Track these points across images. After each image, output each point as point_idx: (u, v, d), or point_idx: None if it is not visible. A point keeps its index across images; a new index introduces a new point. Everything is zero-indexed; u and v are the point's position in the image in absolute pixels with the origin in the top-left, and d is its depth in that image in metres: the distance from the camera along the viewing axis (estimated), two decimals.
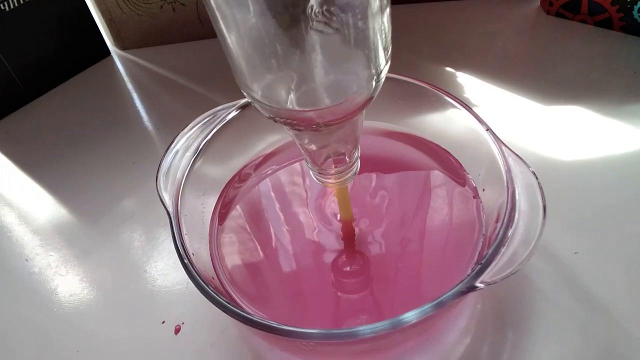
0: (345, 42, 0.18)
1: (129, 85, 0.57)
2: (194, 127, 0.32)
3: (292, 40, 0.17)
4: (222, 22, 0.18)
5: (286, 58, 0.18)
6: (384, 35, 0.19)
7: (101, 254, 0.37)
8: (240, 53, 0.19)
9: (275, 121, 0.21)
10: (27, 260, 0.38)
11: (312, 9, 0.16)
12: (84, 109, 0.53)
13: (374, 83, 0.20)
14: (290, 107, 0.19)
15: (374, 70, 0.20)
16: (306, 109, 0.19)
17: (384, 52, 0.20)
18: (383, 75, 0.21)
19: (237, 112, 0.33)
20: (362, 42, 0.18)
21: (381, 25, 0.19)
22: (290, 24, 0.16)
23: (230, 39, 0.18)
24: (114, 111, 0.53)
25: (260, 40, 0.17)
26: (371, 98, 0.21)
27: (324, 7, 0.16)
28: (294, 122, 0.20)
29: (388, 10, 0.19)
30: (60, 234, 0.39)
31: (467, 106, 0.30)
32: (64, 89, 0.57)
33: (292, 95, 0.19)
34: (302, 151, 0.26)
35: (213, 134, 0.32)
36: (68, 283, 0.35)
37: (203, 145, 0.32)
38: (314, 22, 0.16)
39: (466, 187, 0.32)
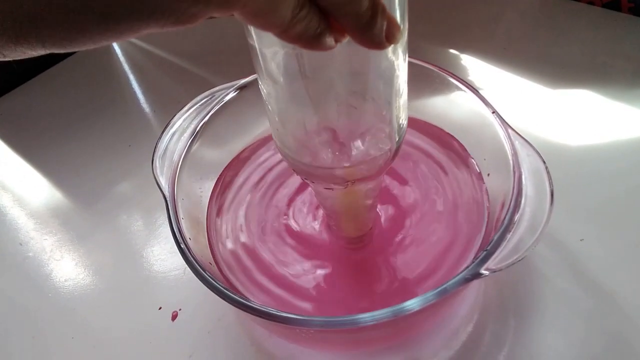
0: (373, 110, 0.20)
1: (125, 66, 0.55)
2: (190, 108, 0.31)
3: (324, 114, 0.19)
4: (265, 91, 0.20)
5: (320, 128, 0.20)
6: (404, 92, 0.21)
7: (97, 238, 0.37)
8: (279, 119, 0.21)
9: (312, 182, 0.23)
10: (21, 245, 0.37)
11: (337, 96, 0.18)
12: (79, 90, 0.52)
13: (397, 136, 0.22)
14: (326, 165, 0.21)
15: (396, 126, 0.21)
16: (339, 166, 0.21)
17: (405, 107, 0.22)
18: (404, 127, 0.23)
19: (235, 93, 0.32)
20: (387, 106, 0.20)
21: (403, 85, 0.21)
22: (322, 103, 0.19)
23: (272, 105, 0.20)
24: (109, 92, 0.52)
25: (296, 112, 0.20)
26: (398, 149, 0.23)
27: (350, 92, 0.19)
28: (328, 179, 0.22)
29: (406, 65, 0.21)
30: (55, 217, 0.39)
31: (473, 88, 0.29)
32: (58, 69, 0.56)
33: (328, 154, 0.21)
34: (326, 214, 0.29)
35: (210, 116, 0.31)
36: (63, 268, 0.35)
37: (200, 127, 0.31)
38: (342, 103, 0.19)
39: (470, 171, 0.31)
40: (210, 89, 0.32)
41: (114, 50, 0.58)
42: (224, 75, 0.46)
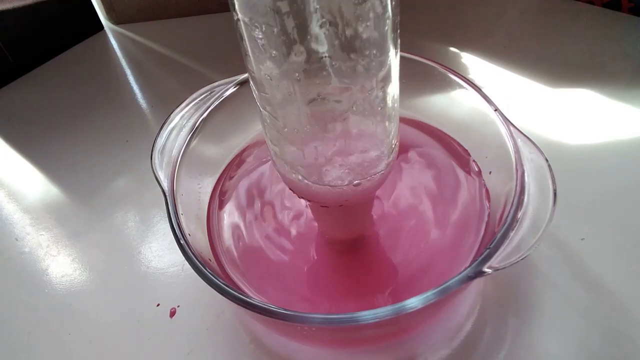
0: (371, 131, 0.20)
1: (123, 61, 0.55)
2: (189, 103, 0.31)
3: (322, 136, 0.19)
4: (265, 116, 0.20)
5: (319, 149, 0.20)
6: (397, 111, 0.22)
7: (94, 234, 0.36)
8: (277, 139, 0.21)
9: (309, 200, 0.23)
10: (17, 240, 0.37)
11: (336, 117, 0.19)
12: (75, 85, 0.52)
13: (391, 154, 0.22)
14: (323, 185, 0.22)
15: (391, 144, 0.22)
16: (336, 186, 0.22)
17: (397, 125, 0.23)
18: (397, 144, 0.23)
19: (235, 88, 0.32)
20: (385, 126, 0.21)
21: (397, 105, 0.21)
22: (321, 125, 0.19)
23: (269, 126, 0.21)
24: (106, 87, 0.51)
25: (294, 134, 0.20)
26: (392, 166, 0.23)
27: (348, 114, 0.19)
28: (325, 199, 0.22)
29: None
30: (52, 212, 0.38)
31: (474, 85, 0.29)
32: (55, 64, 0.56)
33: (326, 175, 0.21)
34: (319, 225, 0.29)
35: (210, 112, 0.31)
36: (59, 263, 0.34)
37: (199, 124, 0.30)
38: (341, 124, 0.19)
39: (470, 169, 0.31)
40: (209, 84, 0.32)
41: (111, 44, 0.58)
42: (224, 70, 0.46)
